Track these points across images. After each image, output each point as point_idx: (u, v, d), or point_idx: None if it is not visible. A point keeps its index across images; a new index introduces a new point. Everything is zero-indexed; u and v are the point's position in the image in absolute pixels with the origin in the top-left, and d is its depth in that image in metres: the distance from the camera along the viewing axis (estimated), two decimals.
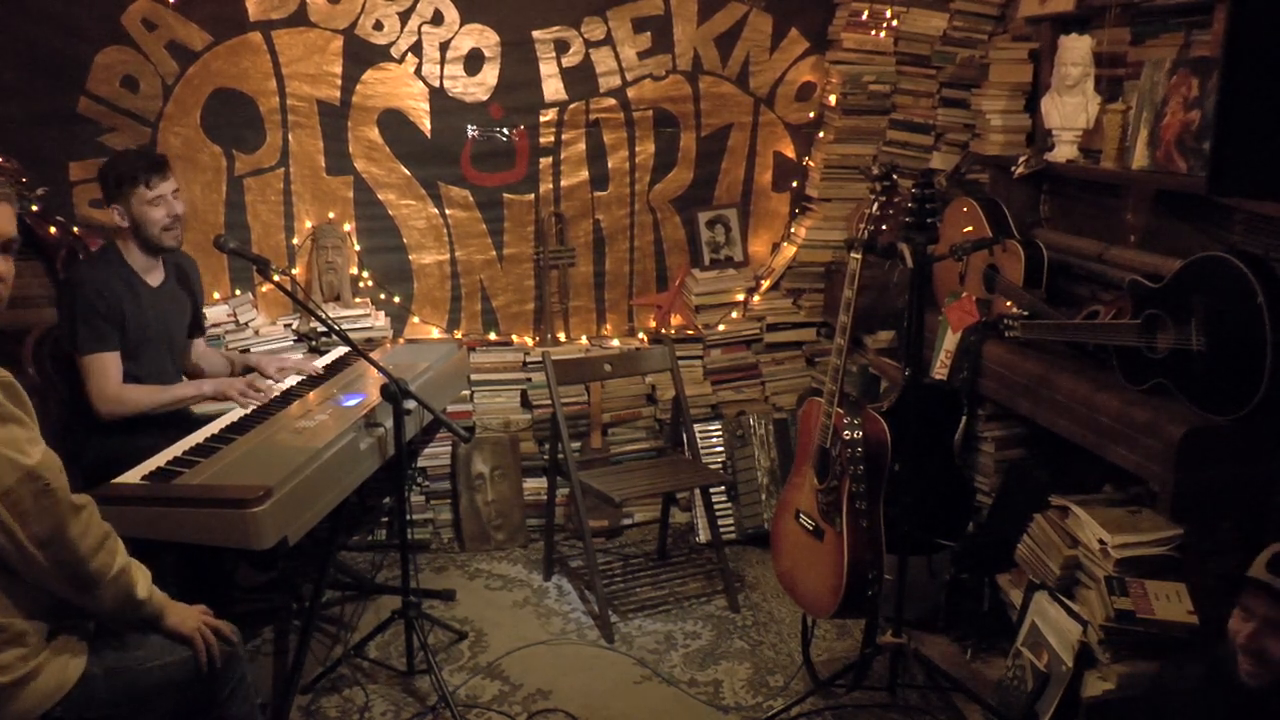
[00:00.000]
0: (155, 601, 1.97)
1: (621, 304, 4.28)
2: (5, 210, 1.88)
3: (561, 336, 4.20)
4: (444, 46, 3.84)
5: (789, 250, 4.24)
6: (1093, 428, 2.69)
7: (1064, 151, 3.24)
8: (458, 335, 4.11)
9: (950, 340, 3.34)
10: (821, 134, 4.19)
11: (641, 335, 4.25)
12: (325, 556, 3.11)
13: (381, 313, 3.98)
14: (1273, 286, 2.30)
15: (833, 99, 4.07)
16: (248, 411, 2.92)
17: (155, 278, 3.03)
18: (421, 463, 3.90)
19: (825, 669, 3.08)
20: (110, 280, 2.90)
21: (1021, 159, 3.38)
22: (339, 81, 3.78)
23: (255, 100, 3.73)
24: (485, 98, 3.92)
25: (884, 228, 2.74)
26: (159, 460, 2.54)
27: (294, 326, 3.83)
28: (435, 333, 4.11)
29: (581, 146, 4.06)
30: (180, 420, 3.05)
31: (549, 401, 3.60)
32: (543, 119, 3.99)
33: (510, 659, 3.19)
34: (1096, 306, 2.94)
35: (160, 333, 3.03)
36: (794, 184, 4.29)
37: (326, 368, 3.36)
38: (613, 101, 4.03)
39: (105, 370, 2.88)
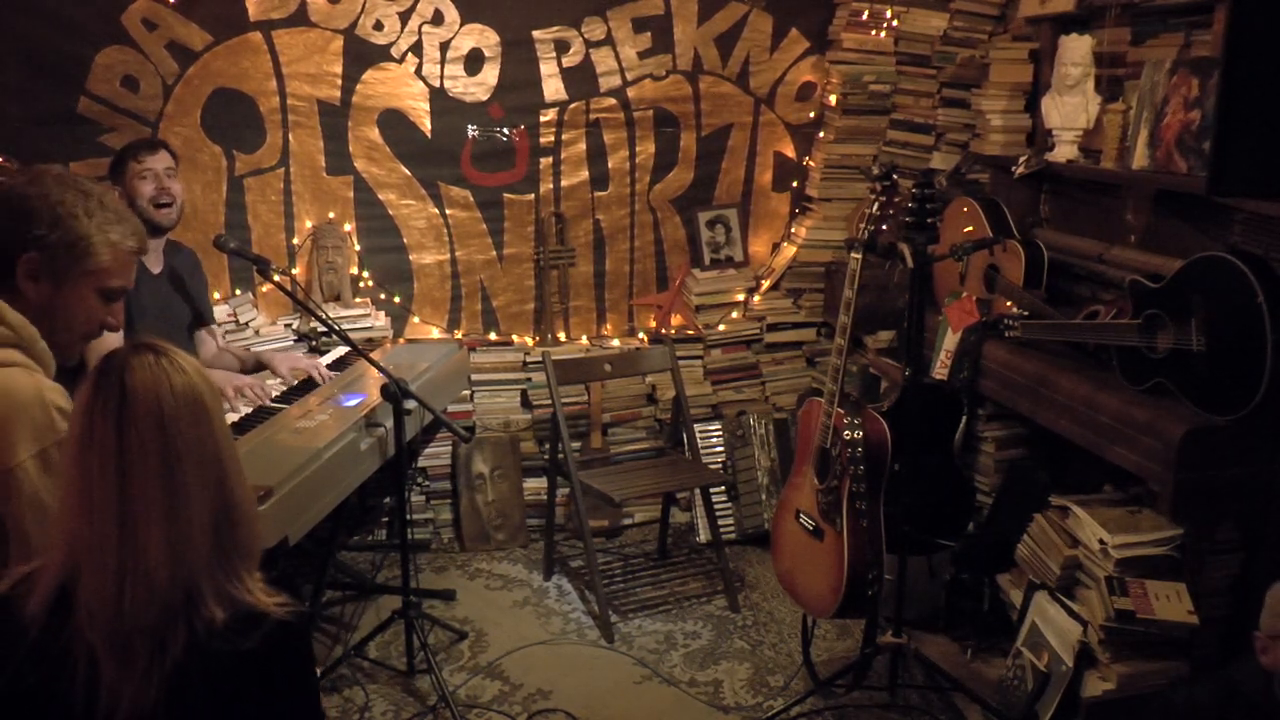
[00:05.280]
0: None
1: (621, 304, 4.28)
2: None
3: (561, 336, 4.20)
4: (444, 46, 3.84)
5: (789, 250, 4.24)
6: (1093, 428, 2.69)
7: (1064, 151, 3.24)
8: (458, 335, 4.11)
9: (950, 340, 3.34)
10: (821, 134, 4.19)
11: (641, 335, 4.25)
12: (325, 556, 3.11)
13: (381, 313, 3.98)
14: (1273, 286, 2.30)
15: (833, 99, 4.07)
16: (247, 411, 2.92)
17: (155, 265, 3.05)
18: (422, 463, 3.90)
19: (825, 669, 3.08)
20: None
21: (1021, 159, 3.38)
22: (339, 81, 3.78)
23: (255, 100, 3.73)
24: (485, 98, 3.92)
25: (884, 228, 2.74)
26: None
27: (294, 326, 3.83)
28: (435, 333, 4.11)
29: (581, 146, 4.06)
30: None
31: (549, 401, 3.60)
32: (543, 119, 3.99)
33: (510, 659, 3.19)
34: (1096, 306, 2.94)
35: (159, 320, 3.03)
36: (794, 184, 4.29)
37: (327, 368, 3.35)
38: (613, 101, 4.03)
39: (106, 349, 2.87)
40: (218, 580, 1.31)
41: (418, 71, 3.84)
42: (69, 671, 1.25)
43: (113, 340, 3.28)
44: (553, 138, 4.02)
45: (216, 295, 3.80)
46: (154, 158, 2.95)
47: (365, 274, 3.98)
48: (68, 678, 1.25)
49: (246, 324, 3.75)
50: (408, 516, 3.02)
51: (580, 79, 3.97)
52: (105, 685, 1.24)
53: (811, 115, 4.22)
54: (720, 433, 4.10)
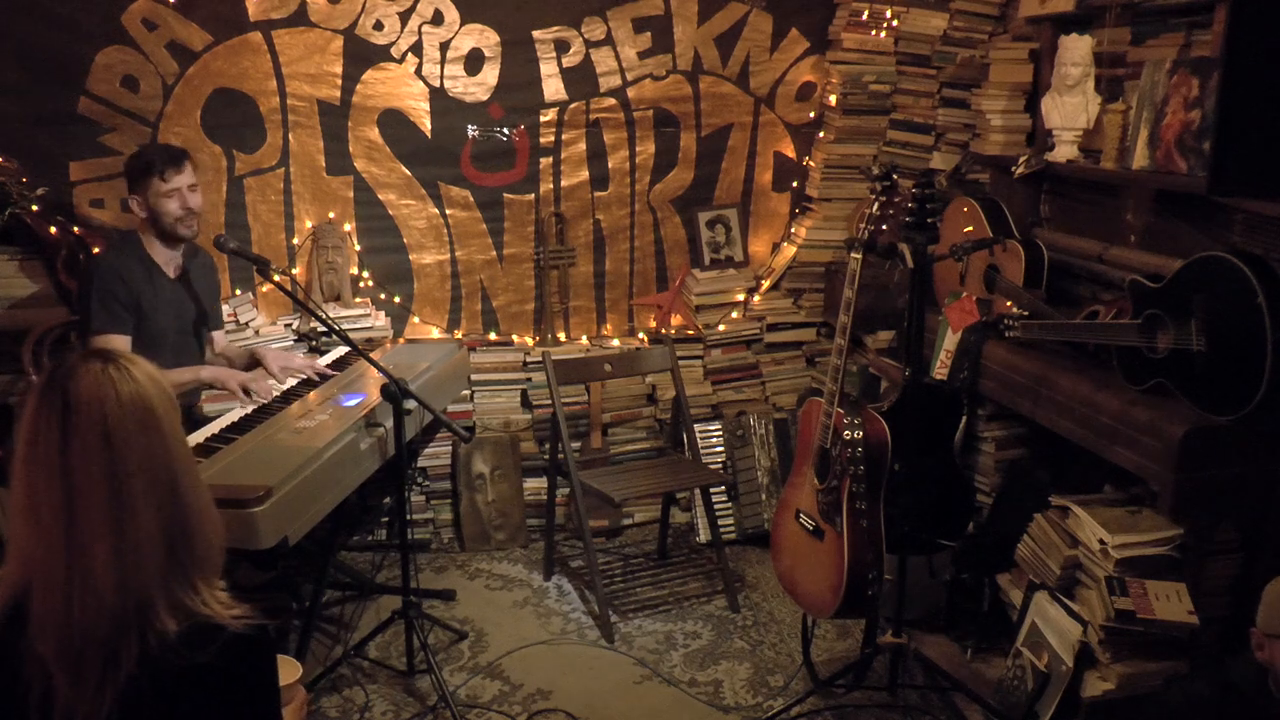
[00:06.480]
0: None
1: (622, 304, 4.28)
2: None
3: (562, 336, 4.20)
4: (444, 46, 3.84)
5: (789, 250, 4.24)
6: (1093, 428, 2.69)
7: (1064, 151, 3.24)
8: (458, 335, 4.11)
9: (950, 340, 3.34)
10: (821, 134, 4.19)
11: (641, 335, 4.26)
12: (325, 556, 3.11)
13: (381, 313, 3.99)
14: (1273, 286, 2.30)
15: (833, 99, 4.07)
16: (248, 411, 2.93)
17: (173, 269, 3.08)
18: (422, 463, 3.90)
19: (825, 669, 3.08)
20: (132, 267, 2.96)
21: (1021, 159, 3.38)
22: (339, 81, 3.78)
23: (255, 100, 3.73)
24: (485, 98, 3.92)
25: (884, 228, 2.74)
26: None
27: (294, 326, 3.84)
28: (435, 333, 4.11)
29: (582, 146, 4.06)
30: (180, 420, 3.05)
31: (549, 401, 3.60)
32: (543, 119, 3.99)
33: (510, 659, 3.19)
34: (1096, 306, 2.94)
35: (176, 324, 3.06)
36: (794, 184, 4.29)
37: (327, 368, 3.35)
38: (613, 101, 4.03)
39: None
40: (171, 591, 1.28)
41: (418, 71, 3.84)
42: (24, 686, 1.23)
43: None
44: (553, 138, 4.02)
45: None
46: (180, 175, 2.95)
47: (365, 274, 3.98)
48: (22, 693, 1.23)
49: (246, 324, 3.76)
50: (408, 516, 3.02)
51: (580, 79, 3.97)
52: (59, 699, 1.23)
53: (811, 115, 4.22)
54: (720, 433, 4.10)
